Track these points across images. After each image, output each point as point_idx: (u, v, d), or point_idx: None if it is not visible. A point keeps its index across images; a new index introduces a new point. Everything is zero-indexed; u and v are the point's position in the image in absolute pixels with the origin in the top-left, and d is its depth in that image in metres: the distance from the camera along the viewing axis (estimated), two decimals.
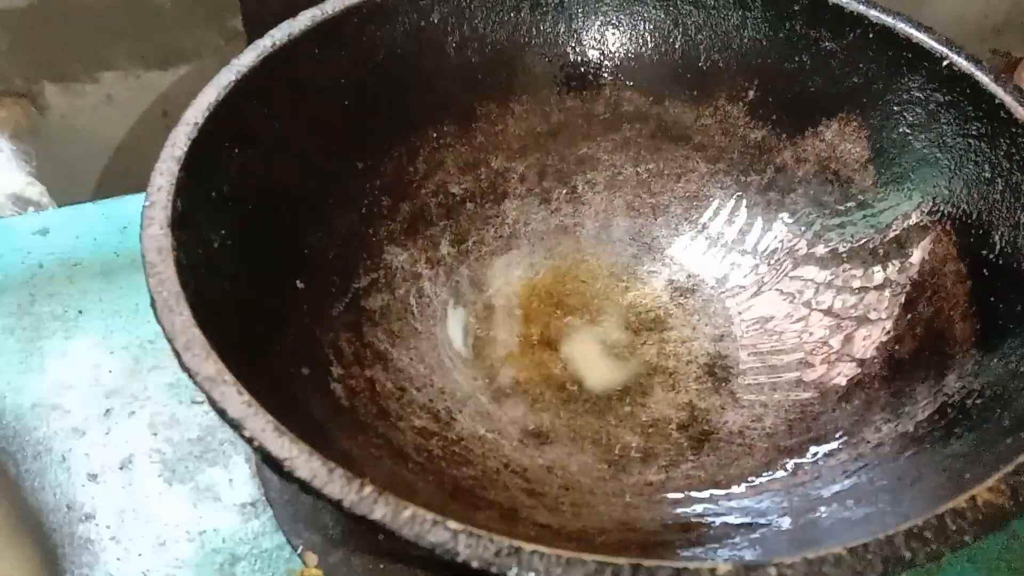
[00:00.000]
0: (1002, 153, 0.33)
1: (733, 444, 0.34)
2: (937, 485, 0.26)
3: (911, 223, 0.36)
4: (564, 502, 0.31)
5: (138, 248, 0.26)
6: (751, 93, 0.40)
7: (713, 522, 0.29)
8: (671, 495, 0.32)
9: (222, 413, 0.22)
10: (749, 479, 0.32)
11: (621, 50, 0.41)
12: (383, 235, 0.37)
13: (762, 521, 0.28)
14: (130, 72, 0.53)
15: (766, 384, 0.36)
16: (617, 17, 0.41)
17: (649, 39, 0.41)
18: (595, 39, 0.41)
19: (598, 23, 0.41)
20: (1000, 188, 0.33)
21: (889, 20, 0.36)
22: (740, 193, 0.41)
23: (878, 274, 0.36)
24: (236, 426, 0.22)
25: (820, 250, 0.38)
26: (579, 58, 0.41)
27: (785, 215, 0.40)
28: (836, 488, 0.29)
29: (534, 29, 0.40)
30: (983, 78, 0.34)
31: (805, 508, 0.28)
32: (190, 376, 0.23)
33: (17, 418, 0.36)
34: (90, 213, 0.44)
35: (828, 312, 0.37)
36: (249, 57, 0.32)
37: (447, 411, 0.34)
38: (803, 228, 0.39)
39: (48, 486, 0.34)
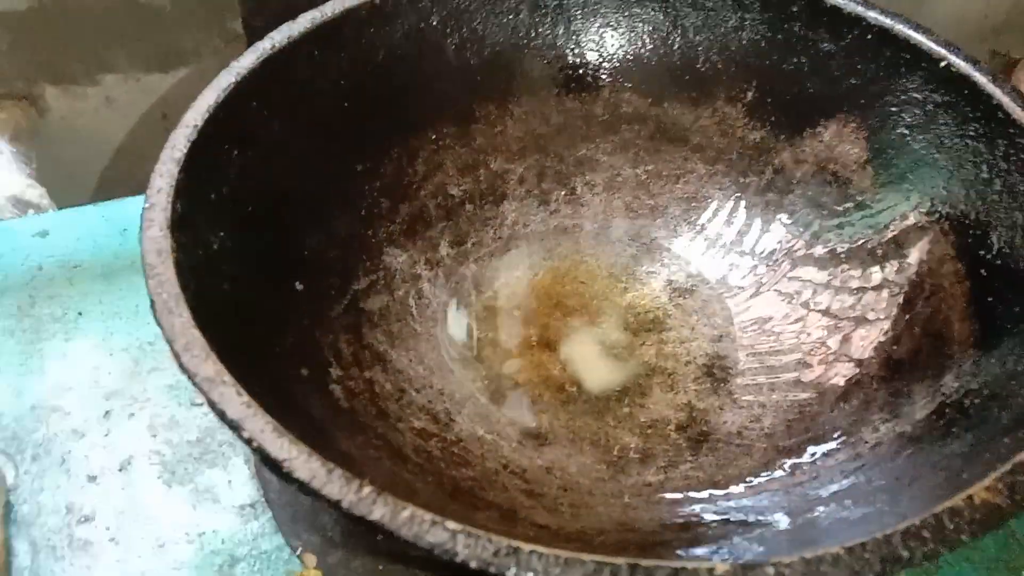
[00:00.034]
0: (1000, 154, 0.33)
1: (731, 444, 0.34)
2: (935, 484, 0.26)
3: (909, 223, 0.36)
4: (563, 503, 0.31)
5: (138, 250, 0.26)
6: (749, 94, 0.40)
7: (711, 522, 0.29)
8: (669, 495, 0.32)
9: (221, 415, 0.23)
10: (747, 479, 0.32)
11: (620, 52, 0.41)
12: (382, 237, 0.37)
13: (760, 521, 0.28)
14: (130, 74, 0.53)
15: (764, 385, 0.36)
16: (616, 19, 0.41)
17: (648, 41, 0.41)
18: (594, 41, 0.41)
19: (597, 25, 0.41)
20: (998, 188, 0.33)
21: (887, 21, 0.36)
22: (739, 194, 0.41)
23: (876, 274, 0.36)
24: (235, 427, 0.22)
25: (818, 251, 0.38)
26: (578, 60, 0.41)
27: (783, 216, 0.40)
28: (834, 488, 0.29)
29: (533, 31, 0.40)
30: (981, 79, 0.34)
31: (803, 508, 0.28)
32: (189, 377, 0.23)
33: (16, 420, 0.36)
34: (90, 215, 0.44)
35: (826, 312, 0.37)
36: (248, 59, 0.32)
37: (446, 412, 0.34)
38: (801, 229, 0.39)
39: (47, 488, 0.34)
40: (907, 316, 0.34)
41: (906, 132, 0.36)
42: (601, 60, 0.41)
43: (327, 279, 0.34)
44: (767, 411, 0.35)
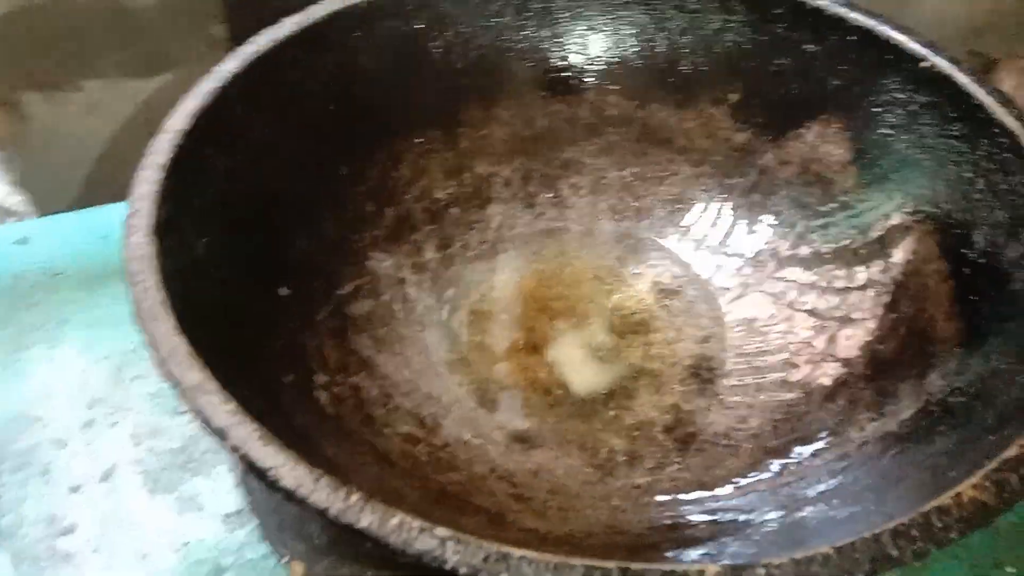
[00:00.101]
0: (982, 153, 0.33)
1: (719, 445, 0.34)
2: (922, 483, 0.26)
3: (893, 223, 0.36)
4: (551, 506, 0.31)
5: (120, 257, 0.26)
6: (734, 96, 0.40)
7: (700, 524, 0.29)
8: (658, 497, 0.32)
9: (206, 423, 0.22)
10: (735, 480, 0.32)
11: (605, 54, 0.41)
12: (368, 241, 0.37)
13: (749, 522, 0.28)
14: (114, 80, 0.52)
15: (751, 385, 0.36)
16: (601, 21, 0.41)
17: (632, 43, 0.41)
18: (579, 44, 0.41)
19: (582, 28, 0.41)
20: (981, 188, 0.33)
21: (869, 22, 0.36)
22: (724, 195, 0.41)
23: (861, 274, 0.36)
24: (220, 435, 0.22)
25: (803, 251, 0.38)
26: (563, 62, 0.41)
27: (768, 217, 0.40)
28: (822, 488, 0.29)
29: (518, 34, 0.40)
30: (963, 79, 0.34)
31: (791, 508, 0.28)
32: (173, 385, 0.23)
33: None
34: (71, 222, 0.44)
35: (812, 313, 0.37)
36: (231, 64, 0.32)
37: (433, 417, 0.34)
38: (786, 229, 0.39)
39: (30, 498, 0.33)
40: (892, 316, 0.34)
41: (889, 132, 0.36)
42: (586, 63, 0.41)
43: (311, 284, 0.34)
44: (754, 412, 0.35)
